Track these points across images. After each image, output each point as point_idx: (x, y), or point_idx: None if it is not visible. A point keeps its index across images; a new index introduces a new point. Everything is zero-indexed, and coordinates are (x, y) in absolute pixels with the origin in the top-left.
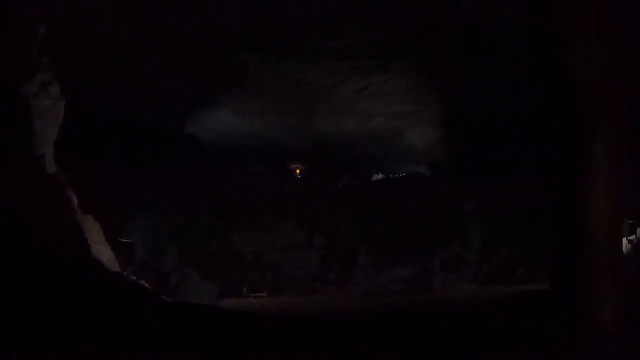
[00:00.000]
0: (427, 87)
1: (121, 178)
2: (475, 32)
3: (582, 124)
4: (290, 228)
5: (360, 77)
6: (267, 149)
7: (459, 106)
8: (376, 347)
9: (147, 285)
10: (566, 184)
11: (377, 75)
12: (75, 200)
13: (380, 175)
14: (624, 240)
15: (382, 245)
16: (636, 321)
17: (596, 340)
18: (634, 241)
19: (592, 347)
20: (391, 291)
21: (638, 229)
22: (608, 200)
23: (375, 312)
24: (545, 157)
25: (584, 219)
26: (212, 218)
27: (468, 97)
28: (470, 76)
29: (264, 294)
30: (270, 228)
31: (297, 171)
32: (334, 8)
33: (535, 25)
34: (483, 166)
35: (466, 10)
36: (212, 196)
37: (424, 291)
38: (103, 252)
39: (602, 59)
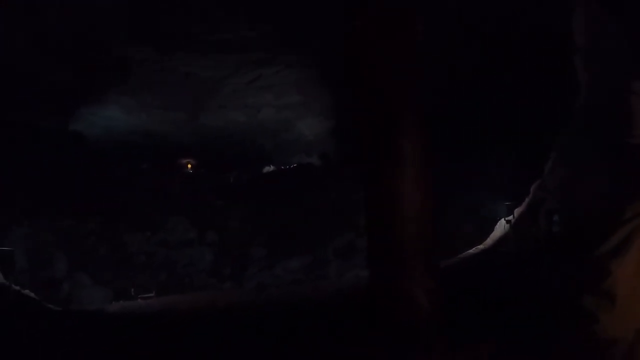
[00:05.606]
0: (316, 79)
1: (1, 183)
2: None
3: (387, 119)
4: (182, 225)
5: (249, 70)
6: (155, 145)
7: (347, 97)
8: (253, 338)
9: (32, 294)
10: (377, 176)
11: (266, 67)
12: None
13: (271, 167)
14: (503, 220)
15: (275, 238)
16: (452, 303)
17: (414, 324)
18: (512, 221)
19: (410, 331)
20: (287, 282)
21: (515, 210)
22: (416, 188)
23: (262, 304)
24: (355, 154)
25: (394, 206)
26: (100, 220)
27: None
28: None
29: (152, 294)
30: (161, 226)
31: (189, 166)
32: (221, 1)
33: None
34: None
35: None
36: (99, 197)
37: (319, 279)
38: None
39: (402, 56)
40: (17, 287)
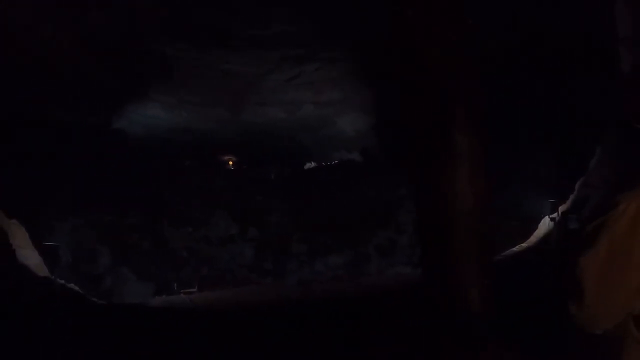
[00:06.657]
0: (357, 74)
1: (45, 180)
2: None
3: (442, 113)
4: (223, 221)
5: (289, 67)
6: (196, 142)
7: (388, 93)
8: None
9: (76, 288)
10: (430, 172)
11: (307, 64)
12: None
13: (312, 163)
14: (547, 218)
15: (316, 234)
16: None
17: (465, 322)
18: (556, 219)
19: (461, 329)
20: (327, 278)
21: (559, 207)
22: (472, 184)
23: (302, 301)
24: (404, 149)
25: (449, 202)
26: (143, 216)
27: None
28: None
29: (194, 289)
30: (203, 222)
31: (230, 163)
32: None
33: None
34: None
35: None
36: (141, 193)
37: (360, 276)
38: (30, 256)
39: (457, 48)
40: (62, 281)
